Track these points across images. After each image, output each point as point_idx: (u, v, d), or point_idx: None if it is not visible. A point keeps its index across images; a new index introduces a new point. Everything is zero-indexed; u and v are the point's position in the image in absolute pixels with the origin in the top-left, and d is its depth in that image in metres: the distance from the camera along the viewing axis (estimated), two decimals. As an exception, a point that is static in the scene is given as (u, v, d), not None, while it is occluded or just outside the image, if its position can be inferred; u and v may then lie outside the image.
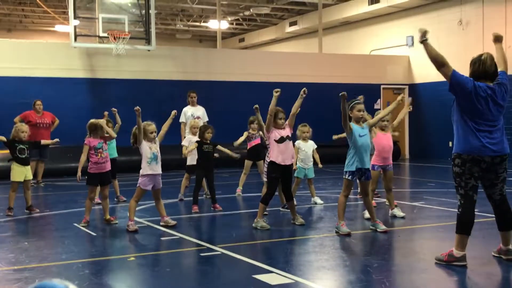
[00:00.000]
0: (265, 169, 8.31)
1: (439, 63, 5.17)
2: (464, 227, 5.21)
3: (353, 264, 5.50)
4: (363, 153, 6.78)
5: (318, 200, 9.20)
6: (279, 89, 7.28)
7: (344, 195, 6.84)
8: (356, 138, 6.73)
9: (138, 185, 7.30)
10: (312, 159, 9.13)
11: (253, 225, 7.23)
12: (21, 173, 8.56)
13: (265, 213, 7.97)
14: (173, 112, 7.73)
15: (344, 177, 6.83)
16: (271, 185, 7.43)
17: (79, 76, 15.68)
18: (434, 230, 7.25)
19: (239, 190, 10.37)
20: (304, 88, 7.31)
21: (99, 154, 7.67)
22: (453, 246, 5.27)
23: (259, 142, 10.12)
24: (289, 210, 7.75)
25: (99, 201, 8.49)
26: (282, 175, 7.43)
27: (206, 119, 11.56)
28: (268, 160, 7.56)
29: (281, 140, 7.28)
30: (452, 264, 5.21)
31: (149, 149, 7.24)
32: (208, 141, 8.78)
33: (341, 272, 5.24)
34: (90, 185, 7.75)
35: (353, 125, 6.80)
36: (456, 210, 5.31)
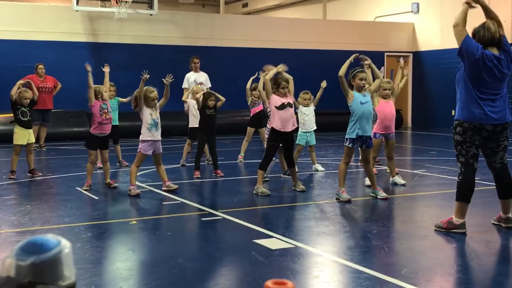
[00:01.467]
0: (267, 136, 8.34)
1: (454, 21, 5.11)
2: (464, 195, 5.24)
3: (352, 230, 5.54)
4: (364, 121, 6.77)
5: (319, 167, 9.22)
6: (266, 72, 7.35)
7: (345, 162, 6.86)
8: (358, 106, 6.71)
9: (138, 150, 7.32)
10: (314, 124, 9.12)
11: (254, 191, 7.27)
12: (23, 136, 8.58)
13: (266, 179, 8.01)
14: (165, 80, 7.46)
15: (345, 144, 6.84)
16: (269, 152, 7.46)
17: (81, 40, 15.58)
18: (434, 197, 7.29)
19: (240, 156, 10.39)
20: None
21: (104, 115, 7.70)
22: (453, 213, 5.30)
23: (262, 108, 10.10)
24: (290, 177, 7.78)
25: (101, 165, 8.53)
26: (283, 142, 7.43)
27: (209, 85, 11.49)
28: (269, 127, 7.57)
29: (282, 106, 7.26)
30: (451, 232, 5.25)
31: (150, 116, 7.24)
32: (211, 108, 8.75)
33: (340, 238, 5.29)
34: (89, 149, 7.77)
35: (354, 92, 6.77)
36: (457, 178, 5.32)
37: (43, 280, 1.37)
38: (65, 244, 1.44)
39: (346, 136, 6.81)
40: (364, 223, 5.88)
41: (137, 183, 7.42)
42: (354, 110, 6.74)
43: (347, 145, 6.80)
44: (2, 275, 1.38)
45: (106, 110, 7.74)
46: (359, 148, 6.95)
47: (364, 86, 6.87)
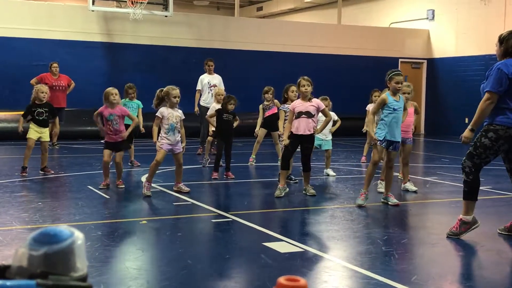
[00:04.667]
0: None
1: (488, 111, 5.08)
2: (475, 193, 5.29)
3: (363, 236, 5.51)
4: (393, 126, 6.69)
5: (331, 172, 9.19)
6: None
7: (373, 162, 6.77)
8: (388, 112, 6.66)
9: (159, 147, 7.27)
10: (330, 133, 9.07)
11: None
12: (36, 132, 8.62)
13: (296, 181, 8.05)
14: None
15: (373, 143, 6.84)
16: (284, 151, 7.43)
17: (96, 40, 15.67)
18: (446, 205, 7.23)
19: (251, 159, 10.38)
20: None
21: (108, 126, 7.63)
22: (461, 214, 5.29)
23: (275, 111, 10.07)
24: (292, 182, 7.79)
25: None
26: (300, 144, 7.39)
27: (222, 87, 11.52)
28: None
29: (298, 115, 7.22)
30: (469, 231, 5.23)
31: (167, 119, 7.17)
32: (229, 112, 8.73)
33: (350, 243, 5.26)
34: (105, 149, 7.76)
35: (389, 96, 6.71)
36: (465, 178, 5.31)
37: (55, 271, 1.37)
38: (78, 236, 1.44)
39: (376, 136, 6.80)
40: (374, 229, 5.84)
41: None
42: (385, 114, 6.71)
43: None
44: (14, 265, 1.38)
45: (110, 122, 7.62)
46: (386, 150, 6.88)
47: (399, 90, 6.77)
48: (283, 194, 7.26)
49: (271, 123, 10.16)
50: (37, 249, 1.38)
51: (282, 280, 1.16)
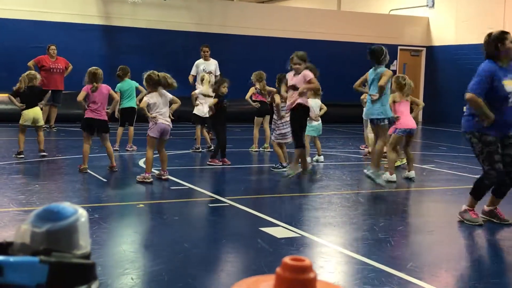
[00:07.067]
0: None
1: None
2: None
3: (359, 222, 5.52)
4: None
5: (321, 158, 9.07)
6: None
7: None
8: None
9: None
10: (319, 118, 9.01)
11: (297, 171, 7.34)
12: None
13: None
14: None
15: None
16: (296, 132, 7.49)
17: (94, 22, 15.57)
18: (443, 193, 7.26)
19: (255, 146, 10.14)
20: None
21: (93, 99, 7.62)
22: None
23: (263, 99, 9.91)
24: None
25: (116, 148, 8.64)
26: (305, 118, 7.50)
27: (218, 73, 11.40)
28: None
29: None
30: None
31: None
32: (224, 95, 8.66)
33: (347, 229, 5.28)
34: (83, 131, 7.66)
35: None
36: (474, 175, 5.33)
37: (58, 248, 1.36)
38: (82, 213, 1.44)
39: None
40: (371, 216, 5.86)
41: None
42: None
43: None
44: (17, 241, 1.38)
45: (95, 96, 7.59)
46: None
47: None
48: (294, 174, 7.27)
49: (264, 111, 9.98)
50: (40, 226, 1.38)
51: (287, 259, 1.17)
